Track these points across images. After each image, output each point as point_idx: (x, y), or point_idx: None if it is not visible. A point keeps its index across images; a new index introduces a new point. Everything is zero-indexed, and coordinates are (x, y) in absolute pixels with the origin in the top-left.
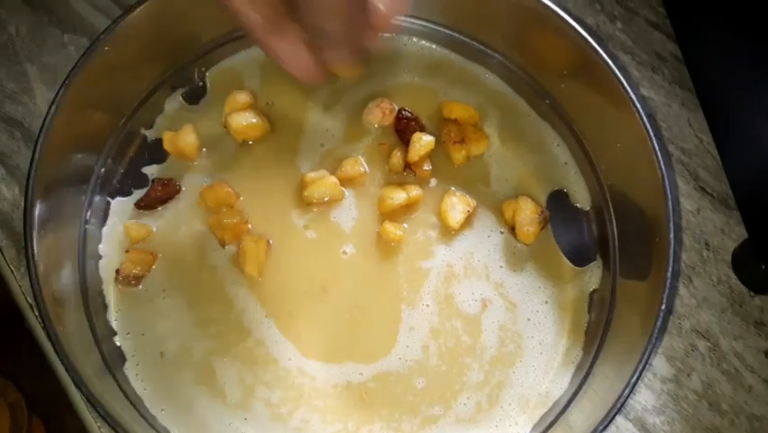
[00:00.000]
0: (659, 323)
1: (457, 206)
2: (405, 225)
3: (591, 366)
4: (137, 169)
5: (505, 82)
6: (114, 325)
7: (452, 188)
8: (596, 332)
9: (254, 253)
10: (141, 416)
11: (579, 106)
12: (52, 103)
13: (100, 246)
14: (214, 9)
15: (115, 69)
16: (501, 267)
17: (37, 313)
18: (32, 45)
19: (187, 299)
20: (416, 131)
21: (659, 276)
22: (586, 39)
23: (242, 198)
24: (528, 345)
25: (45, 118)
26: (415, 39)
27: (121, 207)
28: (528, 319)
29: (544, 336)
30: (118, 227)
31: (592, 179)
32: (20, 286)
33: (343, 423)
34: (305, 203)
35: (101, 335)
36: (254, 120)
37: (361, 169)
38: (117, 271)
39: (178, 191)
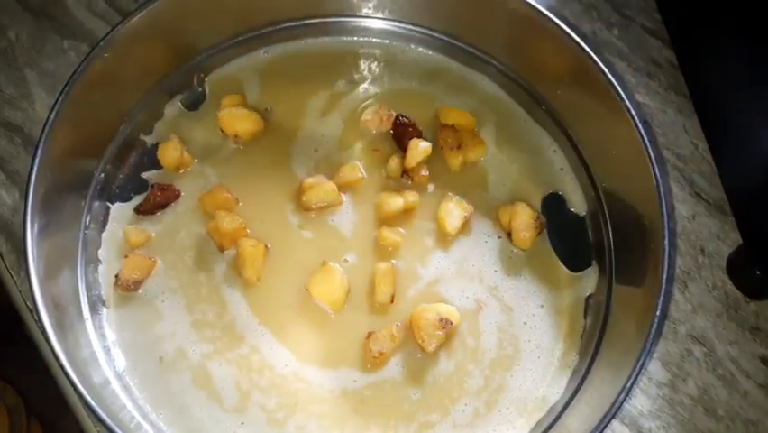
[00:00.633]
0: (654, 328)
1: (454, 211)
2: (402, 230)
3: (588, 371)
4: (136, 174)
5: (501, 88)
6: (114, 329)
7: (450, 194)
8: (592, 337)
9: (252, 257)
10: (140, 420)
11: (575, 113)
12: (52, 109)
13: (99, 251)
14: (213, 16)
15: (115, 75)
16: (496, 271)
17: (36, 318)
18: (31, 51)
19: (186, 301)
20: (413, 137)
21: (654, 281)
22: (581, 46)
23: (240, 204)
24: (526, 348)
25: (45, 124)
26: (412, 46)
27: (120, 212)
28: (525, 323)
29: (540, 339)
30: (118, 232)
31: (588, 184)
32: (19, 291)
33: (339, 429)
34: (303, 208)
35: (100, 339)
36: (244, 112)
37: (359, 174)
38: (116, 276)
39: (177, 196)
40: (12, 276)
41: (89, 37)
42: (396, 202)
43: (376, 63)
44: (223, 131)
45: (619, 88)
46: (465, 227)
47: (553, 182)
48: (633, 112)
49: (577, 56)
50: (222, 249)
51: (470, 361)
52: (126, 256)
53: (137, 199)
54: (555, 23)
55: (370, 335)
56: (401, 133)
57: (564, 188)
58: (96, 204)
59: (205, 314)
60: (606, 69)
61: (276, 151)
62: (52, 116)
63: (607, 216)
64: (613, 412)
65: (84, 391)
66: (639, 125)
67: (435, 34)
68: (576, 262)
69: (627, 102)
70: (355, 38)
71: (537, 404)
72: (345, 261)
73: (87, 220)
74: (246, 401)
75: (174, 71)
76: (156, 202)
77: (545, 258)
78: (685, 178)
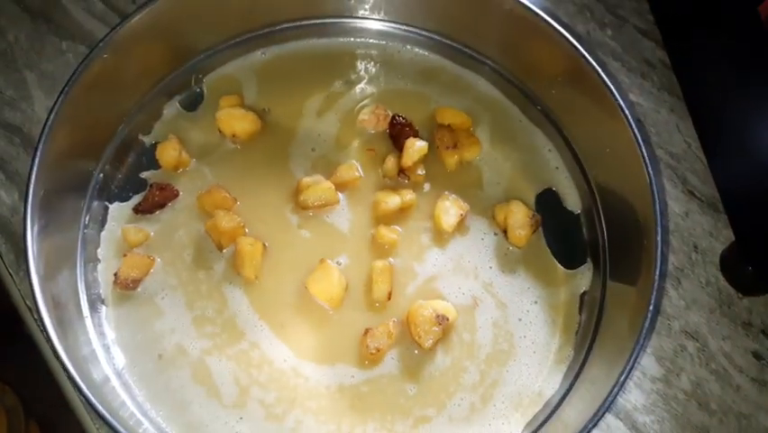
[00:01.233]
0: (647, 323)
1: (450, 209)
2: (399, 228)
3: (582, 366)
4: (135, 174)
5: (497, 88)
6: (113, 327)
7: (446, 193)
8: (587, 332)
9: (251, 256)
10: (139, 417)
11: (569, 112)
12: (51, 110)
13: (99, 250)
14: (211, 17)
15: (113, 77)
16: (491, 268)
17: (36, 316)
18: (30, 53)
19: (186, 298)
20: (409, 136)
21: (648, 278)
22: (575, 46)
23: (238, 203)
24: (521, 344)
25: (44, 125)
26: (408, 46)
27: (119, 211)
28: (519, 319)
29: (535, 335)
30: (116, 232)
31: (582, 183)
32: (19, 290)
33: (337, 424)
34: (300, 207)
35: (99, 337)
36: (242, 113)
37: (356, 173)
38: (115, 275)
39: (175, 195)
40: (11, 275)
41: (88, 38)
42: (393, 201)
43: (372, 64)
44: (221, 131)
45: (613, 88)
46: (461, 225)
47: (548, 181)
48: (626, 111)
49: (571, 56)
50: (220, 247)
51: (466, 356)
52: (125, 255)
53: (136, 199)
54: (549, 24)
55: (367, 331)
56: (398, 133)
57: (559, 186)
58: (95, 204)
59: (205, 310)
60: (600, 69)
61: (273, 150)
62: (51, 117)
63: (601, 214)
64: (607, 406)
65: (84, 388)
66: (633, 124)
67: (431, 35)
68: (571, 260)
69: (621, 101)
70: (352, 39)
71: (533, 399)
72: (343, 259)
73: (87, 220)
74: (245, 396)
75: (172, 72)
76: (154, 201)
77: (540, 255)
78: (678, 176)
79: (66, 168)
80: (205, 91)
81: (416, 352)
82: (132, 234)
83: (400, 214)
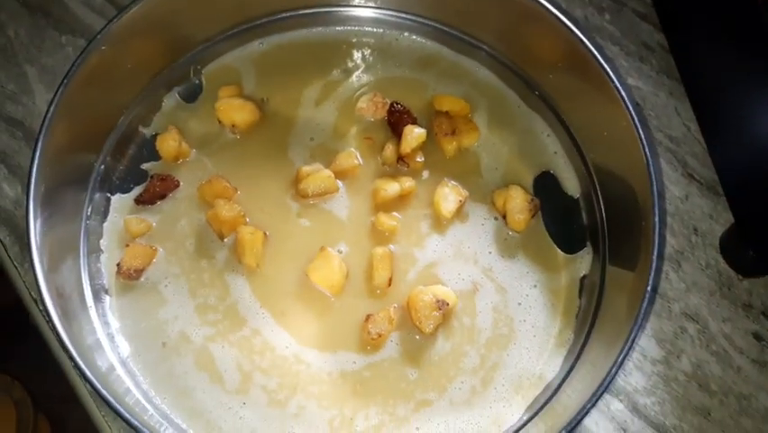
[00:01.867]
0: (645, 302)
1: (449, 196)
2: (398, 215)
3: (582, 349)
4: (136, 165)
5: (494, 74)
6: (117, 316)
7: (445, 179)
8: (586, 316)
9: (251, 244)
10: (144, 403)
11: (567, 97)
12: (51, 103)
13: (101, 241)
14: (208, 8)
15: (112, 69)
16: (490, 253)
17: (41, 307)
18: (30, 47)
19: (188, 286)
20: (407, 123)
21: (646, 260)
22: (573, 31)
23: (239, 193)
24: (521, 328)
25: (44, 118)
26: (406, 33)
27: (121, 202)
28: (519, 304)
29: (535, 319)
30: (119, 222)
31: (581, 167)
32: (24, 281)
33: (339, 408)
34: (300, 195)
35: (104, 326)
36: (241, 103)
37: (355, 161)
38: (118, 265)
39: (176, 186)
40: (16, 267)
41: (87, 32)
42: (392, 188)
43: (370, 52)
44: (220, 121)
45: (610, 71)
46: (460, 211)
47: (547, 166)
48: (623, 93)
49: (569, 40)
50: (221, 237)
51: (467, 341)
52: (127, 245)
53: (137, 190)
54: (547, 9)
55: (368, 317)
56: (396, 120)
57: (558, 170)
58: (97, 195)
59: (208, 298)
60: (597, 53)
61: (273, 140)
62: (51, 110)
63: (600, 197)
64: (605, 385)
65: (90, 376)
66: (630, 107)
67: (428, 22)
68: (570, 244)
69: (618, 85)
70: (349, 27)
71: (534, 382)
72: (343, 246)
73: (89, 211)
74: (248, 383)
75: (171, 64)
76: (155, 192)
77: (540, 240)
78: (678, 159)
79: (67, 160)
80: (204, 82)
81: (417, 337)
82: (134, 225)
83: (400, 201)
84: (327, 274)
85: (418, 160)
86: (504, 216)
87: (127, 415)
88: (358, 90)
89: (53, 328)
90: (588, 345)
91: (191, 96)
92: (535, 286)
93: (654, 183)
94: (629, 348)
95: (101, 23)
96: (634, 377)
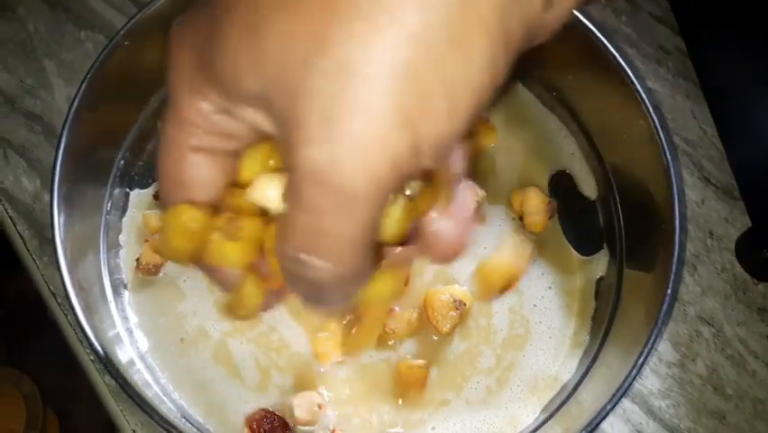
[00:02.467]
0: (665, 307)
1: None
2: None
3: (599, 351)
4: (154, 161)
5: (512, 74)
6: (135, 311)
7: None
8: (602, 318)
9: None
10: (163, 397)
11: (585, 98)
12: (74, 99)
13: (120, 236)
14: None
15: (133, 64)
16: None
17: (60, 301)
18: (50, 42)
19: (206, 281)
20: None
21: (665, 265)
22: (593, 31)
23: None
24: (537, 329)
25: (68, 113)
26: None
27: (139, 198)
28: (534, 305)
29: (551, 320)
30: (137, 218)
31: (598, 169)
32: (42, 275)
33: (354, 407)
34: None
35: (123, 321)
36: None
37: None
38: (137, 260)
39: None
40: (35, 261)
41: (107, 28)
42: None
43: None
44: None
45: (631, 74)
46: (477, 212)
47: (563, 166)
48: (644, 97)
49: (588, 42)
50: None
51: (483, 341)
52: (147, 241)
53: (155, 186)
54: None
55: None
56: None
57: (575, 171)
58: (117, 191)
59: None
60: (618, 55)
61: None
62: (75, 105)
63: (617, 200)
64: (625, 387)
65: (115, 369)
66: (651, 110)
67: None
68: (587, 246)
69: (639, 87)
70: None
71: (549, 383)
72: None
73: (109, 206)
74: (266, 379)
75: None
76: None
77: (556, 241)
78: (694, 163)
79: (88, 156)
80: None
81: (434, 337)
82: (153, 220)
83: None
84: None
85: None
86: (520, 217)
87: (151, 408)
88: None
89: (77, 322)
90: (604, 348)
91: None
92: (551, 287)
93: (675, 187)
94: (649, 352)
95: (120, 19)
96: (649, 380)
